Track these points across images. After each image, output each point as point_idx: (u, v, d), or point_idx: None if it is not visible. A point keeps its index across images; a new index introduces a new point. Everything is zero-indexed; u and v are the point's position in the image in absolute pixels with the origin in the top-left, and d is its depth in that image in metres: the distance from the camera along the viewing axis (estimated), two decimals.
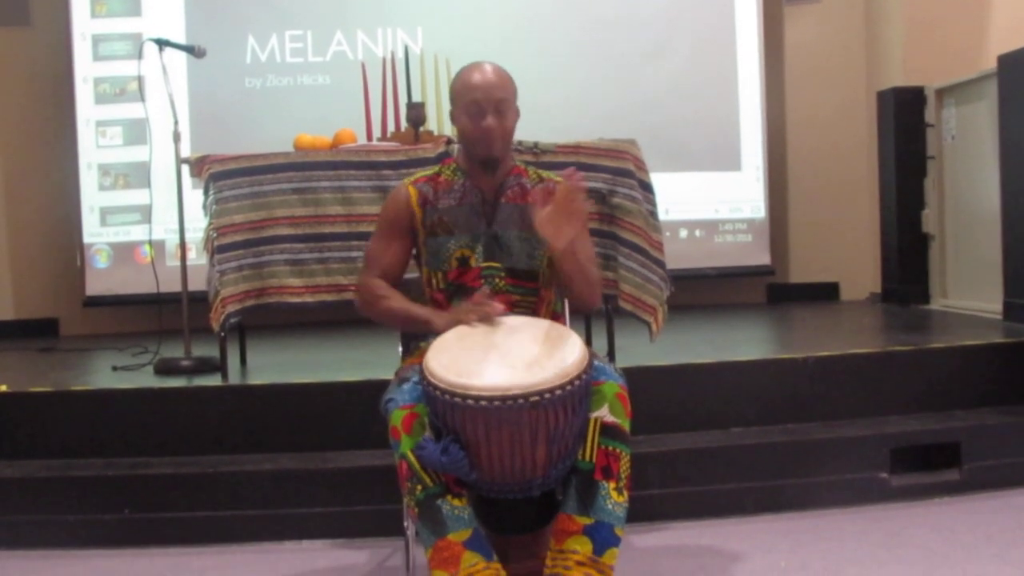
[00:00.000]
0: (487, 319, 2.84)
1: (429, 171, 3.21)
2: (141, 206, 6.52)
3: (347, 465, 3.86)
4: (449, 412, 2.58)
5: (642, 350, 4.53)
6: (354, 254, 4.40)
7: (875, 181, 7.16)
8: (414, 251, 3.19)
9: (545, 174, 3.22)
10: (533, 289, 3.07)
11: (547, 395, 2.54)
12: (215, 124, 6.86)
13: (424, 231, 3.09)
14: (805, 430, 4.16)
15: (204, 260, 4.48)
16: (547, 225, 2.83)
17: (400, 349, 3.31)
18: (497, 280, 3.02)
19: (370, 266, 3.14)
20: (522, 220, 3.06)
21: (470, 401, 2.54)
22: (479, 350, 2.70)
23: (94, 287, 6.92)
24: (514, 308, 3.00)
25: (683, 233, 7.28)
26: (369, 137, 4.83)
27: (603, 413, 2.71)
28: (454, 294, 3.04)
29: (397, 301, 3.06)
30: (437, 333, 2.86)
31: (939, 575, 3.17)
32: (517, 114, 3.09)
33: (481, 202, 3.09)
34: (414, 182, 3.15)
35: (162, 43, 4.81)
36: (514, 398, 2.52)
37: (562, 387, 2.56)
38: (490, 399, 2.53)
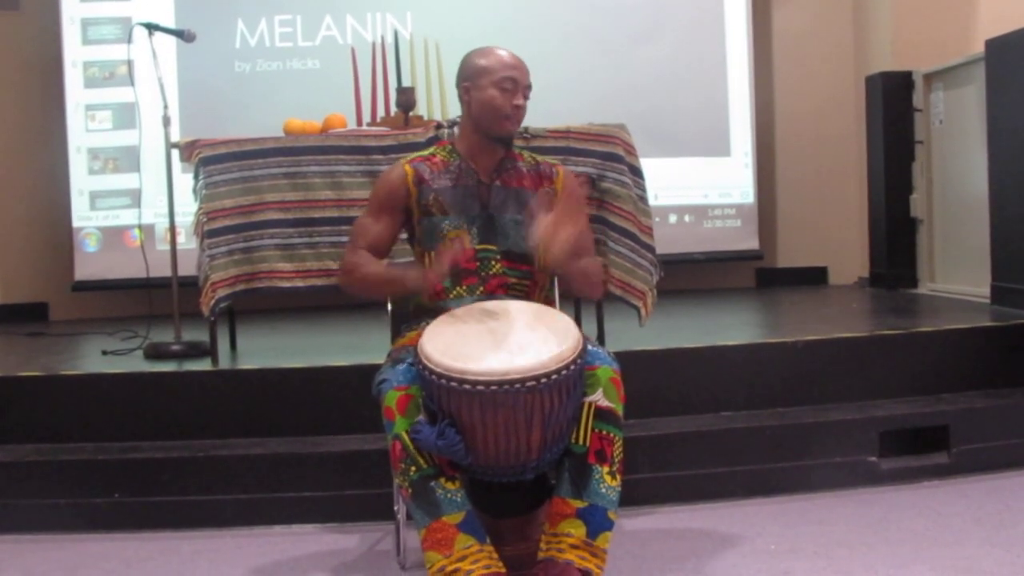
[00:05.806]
0: (458, 258, 2.85)
1: (424, 152, 3.22)
2: (131, 190, 6.51)
3: (338, 449, 3.87)
4: (445, 396, 2.59)
5: (632, 335, 4.53)
6: (344, 239, 4.37)
7: (863, 166, 7.17)
8: (404, 235, 3.20)
9: (540, 158, 3.23)
10: (528, 272, 3.07)
11: (544, 379, 2.55)
12: (205, 108, 6.84)
13: (419, 210, 3.09)
14: (794, 414, 4.17)
15: (194, 244, 4.47)
16: (547, 233, 2.80)
17: (391, 332, 3.31)
18: (493, 263, 3.03)
19: (355, 241, 3.13)
20: (517, 204, 3.07)
21: (467, 386, 2.54)
22: (474, 334, 2.71)
23: (83, 271, 6.90)
24: (509, 291, 3.01)
25: (672, 218, 7.28)
26: (359, 122, 4.82)
27: (597, 397, 2.73)
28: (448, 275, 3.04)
29: (374, 267, 3.04)
30: (414, 292, 2.89)
31: (928, 557, 3.19)
32: None
33: (476, 184, 3.09)
34: (410, 161, 3.15)
35: (151, 27, 4.80)
36: (511, 382, 2.53)
37: (558, 371, 2.57)
38: (487, 383, 2.54)
